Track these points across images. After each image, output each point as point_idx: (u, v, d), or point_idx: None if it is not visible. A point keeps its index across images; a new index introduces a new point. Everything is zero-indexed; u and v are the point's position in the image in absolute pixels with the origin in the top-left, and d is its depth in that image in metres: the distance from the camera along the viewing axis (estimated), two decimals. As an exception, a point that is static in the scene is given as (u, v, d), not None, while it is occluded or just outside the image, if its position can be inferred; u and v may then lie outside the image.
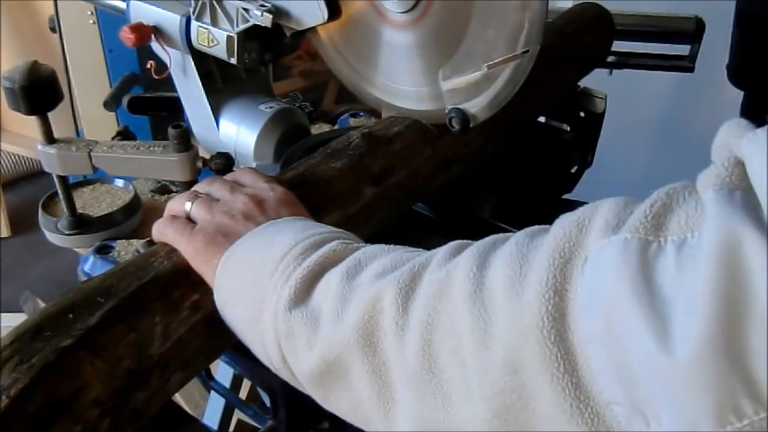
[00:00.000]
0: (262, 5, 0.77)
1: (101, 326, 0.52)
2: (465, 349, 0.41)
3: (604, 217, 0.38)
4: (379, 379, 0.46)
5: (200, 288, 0.58)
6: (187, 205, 0.63)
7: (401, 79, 0.79)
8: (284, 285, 0.50)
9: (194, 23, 0.84)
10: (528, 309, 0.38)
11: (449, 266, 0.44)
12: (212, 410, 1.27)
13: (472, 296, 0.41)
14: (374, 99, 0.84)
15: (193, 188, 0.67)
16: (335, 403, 0.50)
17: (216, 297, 0.56)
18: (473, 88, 0.73)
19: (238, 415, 1.32)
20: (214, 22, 0.83)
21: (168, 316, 0.56)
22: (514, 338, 0.38)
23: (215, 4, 0.81)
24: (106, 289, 0.55)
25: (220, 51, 0.83)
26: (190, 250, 0.59)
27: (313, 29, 0.80)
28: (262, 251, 0.54)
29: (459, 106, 0.75)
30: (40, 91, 0.77)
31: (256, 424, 0.83)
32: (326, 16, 0.75)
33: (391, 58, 0.78)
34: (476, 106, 0.74)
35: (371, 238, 0.77)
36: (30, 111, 0.78)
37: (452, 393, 0.42)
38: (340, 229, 0.57)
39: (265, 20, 0.76)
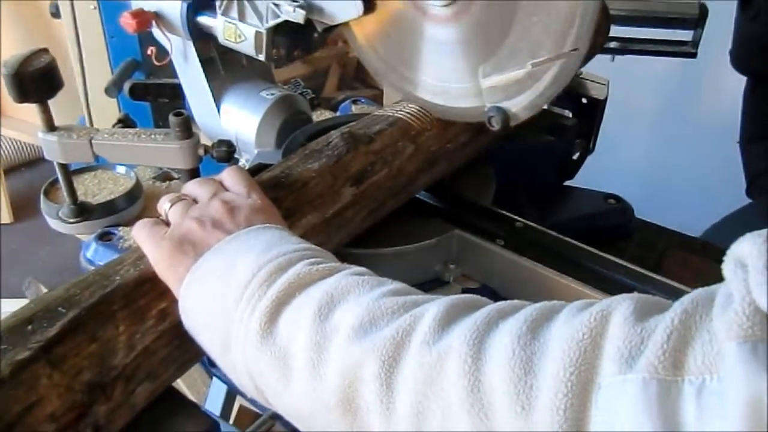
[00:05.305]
0: (295, 0, 0.75)
1: (61, 337, 0.50)
2: None
3: (614, 343, 0.37)
4: None
5: (167, 296, 0.56)
6: (167, 206, 0.62)
7: (445, 75, 0.75)
8: (250, 317, 0.49)
9: (220, 18, 0.83)
10: None
11: (439, 349, 0.42)
12: (214, 396, 1.27)
13: (470, 396, 0.40)
14: (417, 99, 0.80)
15: (184, 187, 0.66)
16: None
17: (183, 319, 0.55)
18: (515, 86, 0.69)
19: (240, 401, 1.33)
20: (242, 17, 0.81)
21: (132, 325, 0.54)
22: None
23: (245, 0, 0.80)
24: (68, 298, 0.53)
25: (247, 47, 0.82)
26: (156, 255, 0.57)
27: (346, 26, 0.77)
28: (224, 276, 0.52)
29: (499, 105, 0.71)
30: (29, 81, 0.77)
31: (258, 411, 0.83)
32: (361, 11, 0.73)
33: (433, 54, 0.74)
34: (518, 105, 0.70)
35: (367, 231, 0.77)
36: (19, 99, 0.78)
37: None
38: (307, 244, 0.55)
39: (298, 16, 0.75)
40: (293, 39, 0.81)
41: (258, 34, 0.80)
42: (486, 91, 0.71)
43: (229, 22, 0.82)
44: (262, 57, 0.81)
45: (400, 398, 0.43)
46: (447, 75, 0.75)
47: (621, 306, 0.39)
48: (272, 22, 0.78)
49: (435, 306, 0.45)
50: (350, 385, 0.44)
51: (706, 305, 0.35)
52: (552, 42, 0.64)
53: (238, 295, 0.50)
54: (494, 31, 0.68)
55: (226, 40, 0.84)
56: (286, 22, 0.77)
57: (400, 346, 0.44)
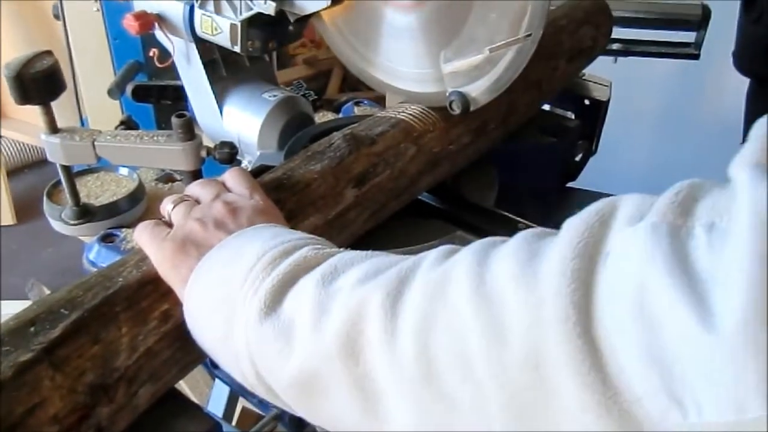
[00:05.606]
0: None
1: (63, 339, 0.50)
2: (471, 349, 0.39)
3: (625, 212, 0.37)
4: (361, 392, 0.44)
5: (170, 297, 0.56)
6: (169, 207, 0.62)
7: (404, 61, 0.79)
8: (254, 296, 0.49)
9: (197, 11, 0.84)
10: (551, 300, 0.36)
11: (445, 266, 0.43)
12: (217, 398, 1.27)
13: (475, 293, 0.39)
14: (377, 82, 0.84)
15: (187, 188, 0.66)
16: (317, 416, 0.49)
17: (186, 317, 0.55)
18: (475, 71, 0.73)
19: (242, 402, 1.33)
20: (218, 11, 0.82)
21: (135, 327, 0.54)
22: (534, 333, 0.36)
23: (219, -9, 0.81)
24: (71, 300, 0.53)
25: (223, 39, 0.83)
26: (159, 256, 0.57)
27: (318, 16, 0.80)
28: (230, 264, 0.52)
29: (460, 90, 0.74)
30: (31, 83, 0.76)
31: (260, 412, 0.83)
32: (329, 1, 0.75)
33: (394, 41, 0.78)
34: (477, 90, 0.74)
35: (369, 233, 0.77)
36: (21, 101, 0.77)
37: (456, 396, 0.40)
38: (312, 236, 0.55)
39: (269, 8, 0.76)
40: (267, 31, 0.83)
41: (233, 26, 0.81)
42: (447, 76, 0.75)
43: (206, 15, 0.84)
44: (237, 49, 0.83)
45: (403, 320, 0.42)
46: (410, 61, 0.79)
47: (629, 195, 0.39)
48: (246, 15, 0.80)
49: (439, 248, 0.46)
50: (353, 326, 0.44)
51: (715, 183, 0.36)
52: (507, 28, 0.69)
53: (243, 278, 0.50)
54: (453, 18, 0.72)
55: (203, 32, 0.85)
56: (260, 14, 0.78)
57: (405, 279, 0.44)
